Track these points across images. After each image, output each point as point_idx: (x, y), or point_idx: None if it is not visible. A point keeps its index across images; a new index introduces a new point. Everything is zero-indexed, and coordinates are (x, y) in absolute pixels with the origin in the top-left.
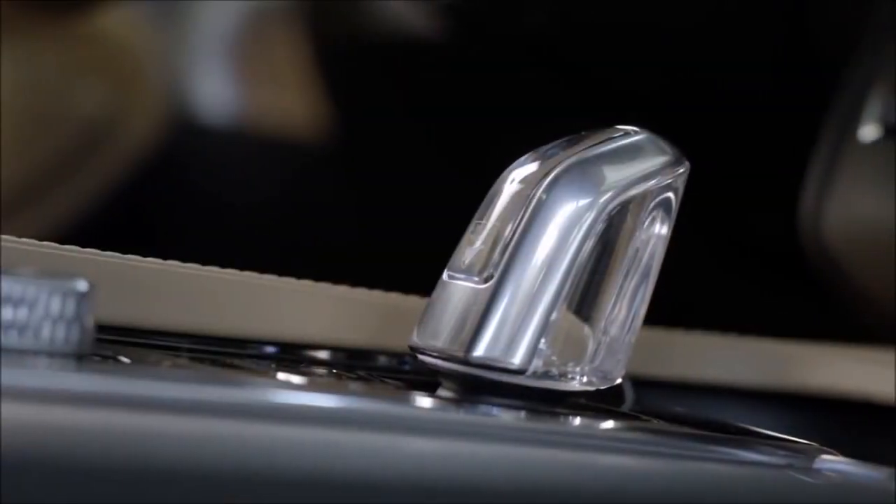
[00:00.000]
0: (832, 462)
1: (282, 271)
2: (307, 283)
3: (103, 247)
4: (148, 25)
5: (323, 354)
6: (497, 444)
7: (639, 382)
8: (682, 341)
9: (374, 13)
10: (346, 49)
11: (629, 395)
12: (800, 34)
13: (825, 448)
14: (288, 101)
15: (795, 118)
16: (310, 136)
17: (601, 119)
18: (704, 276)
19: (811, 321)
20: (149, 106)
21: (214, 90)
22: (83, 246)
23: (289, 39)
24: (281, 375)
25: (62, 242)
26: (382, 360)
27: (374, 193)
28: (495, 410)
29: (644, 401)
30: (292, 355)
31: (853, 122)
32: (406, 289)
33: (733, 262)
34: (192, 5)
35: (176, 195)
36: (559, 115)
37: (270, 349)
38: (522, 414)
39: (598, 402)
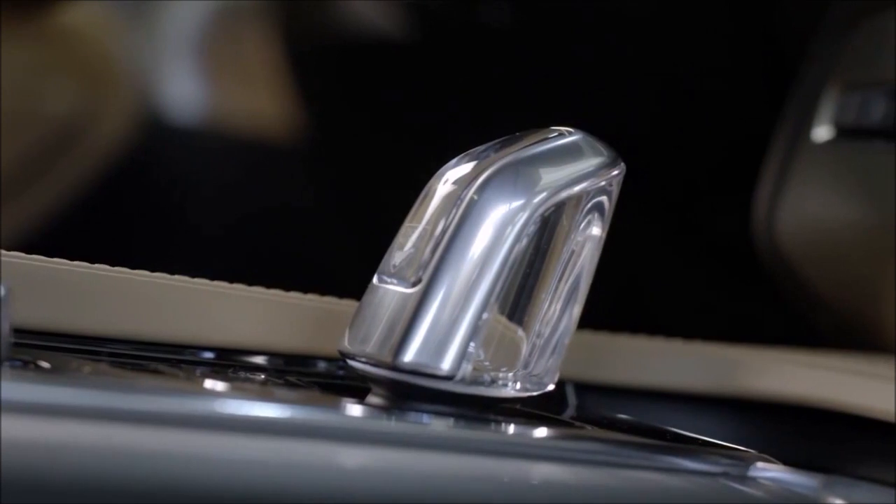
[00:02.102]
0: (768, 469)
1: (252, 271)
2: (240, 287)
3: (75, 248)
4: (118, 24)
5: (260, 359)
6: (416, 451)
7: (583, 387)
8: (628, 345)
9: (346, 12)
10: (318, 49)
11: (571, 400)
12: (754, 35)
13: (763, 455)
14: (259, 101)
15: (749, 119)
16: (281, 137)
17: (567, 118)
18: (655, 278)
19: (762, 324)
20: (119, 106)
21: (185, 90)
22: (52, 248)
23: (261, 39)
24: (207, 382)
25: (32, 244)
26: (321, 365)
27: (346, 194)
28: (425, 417)
29: (587, 406)
30: (225, 360)
31: (807, 122)
32: None
33: (685, 264)
34: (163, 4)
35: (147, 195)
36: (531, 114)
37: (207, 354)
38: (451, 421)
39: (538, 408)
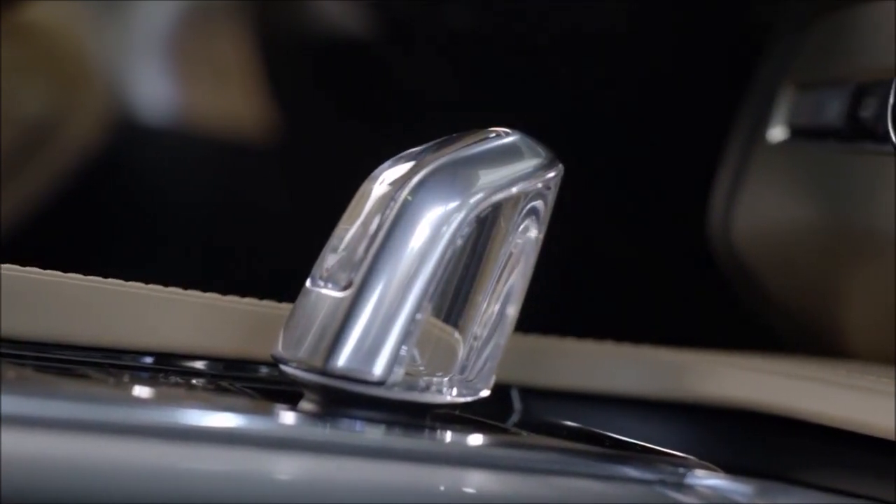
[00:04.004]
0: (706, 476)
1: (226, 271)
2: (175, 290)
3: (48, 248)
4: (89, 22)
5: (198, 364)
6: (347, 458)
7: (529, 392)
8: (576, 349)
9: (318, 12)
10: (289, 49)
11: (517, 405)
12: (708, 34)
13: (702, 462)
14: (230, 100)
15: (704, 119)
16: (251, 136)
17: (520, 119)
18: (608, 280)
19: (718, 328)
20: (91, 105)
21: (157, 89)
22: (22, 248)
23: (232, 38)
24: (134, 387)
25: (2, 244)
26: (263, 369)
27: (317, 193)
28: (357, 424)
29: (532, 412)
30: (159, 365)
31: (762, 123)
32: None
33: (639, 267)
34: (134, 4)
35: (119, 195)
36: (499, 114)
37: (143, 359)
38: (383, 428)
39: (481, 414)
